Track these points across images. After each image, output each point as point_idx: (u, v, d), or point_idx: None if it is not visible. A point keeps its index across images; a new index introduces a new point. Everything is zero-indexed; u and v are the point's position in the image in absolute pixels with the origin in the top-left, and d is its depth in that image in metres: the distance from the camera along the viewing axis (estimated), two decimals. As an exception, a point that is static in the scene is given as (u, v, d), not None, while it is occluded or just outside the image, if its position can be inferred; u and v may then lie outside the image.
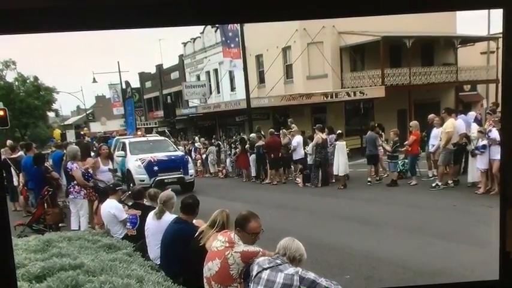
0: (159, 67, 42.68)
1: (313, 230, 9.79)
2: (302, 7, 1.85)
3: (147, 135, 22.86)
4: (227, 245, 4.57)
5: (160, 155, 17.30)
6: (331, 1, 1.86)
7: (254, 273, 4.13)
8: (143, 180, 16.04)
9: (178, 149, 20.59)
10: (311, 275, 3.96)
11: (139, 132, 24.43)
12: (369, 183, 14.85)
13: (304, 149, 16.33)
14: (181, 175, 16.88)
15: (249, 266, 4.49)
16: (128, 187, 13.98)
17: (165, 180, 16.39)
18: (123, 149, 18.28)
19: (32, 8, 1.73)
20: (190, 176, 17.38)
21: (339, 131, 15.92)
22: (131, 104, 35.18)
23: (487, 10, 26.11)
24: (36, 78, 42.17)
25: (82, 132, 39.92)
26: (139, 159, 16.82)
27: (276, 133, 17.91)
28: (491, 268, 6.53)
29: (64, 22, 1.81)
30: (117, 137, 22.54)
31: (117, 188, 8.77)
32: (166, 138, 21.53)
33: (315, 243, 8.49)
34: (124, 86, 39.49)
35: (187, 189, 16.24)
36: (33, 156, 11.50)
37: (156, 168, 16.54)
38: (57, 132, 33.50)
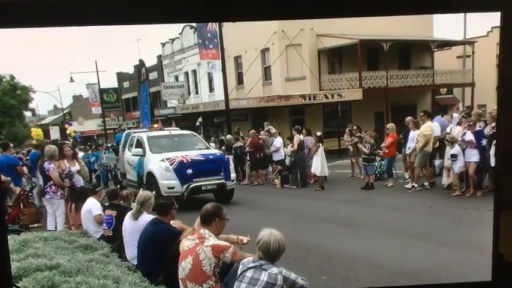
0: (137, 67, 42.36)
1: (291, 231, 9.77)
2: (285, 6, 1.86)
3: (167, 128, 18.04)
4: (197, 241, 4.62)
5: (194, 154, 13.51)
6: (318, 1, 1.86)
7: (239, 272, 4.20)
8: (173, 188, 12.66)
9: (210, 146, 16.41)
10: (293, 276, 4.07)
11: (156, 125, 20.56)
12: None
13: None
14: (223, 180, 13.23)
15: (227, 266, 4.57)
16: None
17: (202, 188, 12.97)
18: (140, 145, 14.54)
19: (17, 2, 1.71)
20: (232, 181, 13.87)
21: (319, 133, 15.94)
22: (146, 88, 33.47)
23: (463, 14, 26.63)
24: (12, 77, 41.68)
25: (67, 131, 39.44)
26: (166, 159, 13.09)
27: (257, 134, 17.84)
28: (466, 268, 6.61)
29: (45, 16, 1.79)
30: (127, 131, 18.33)
31: (96, 189, 8.77)
32: (193, 132, 17.23)
33: (292, 244, 8.49)
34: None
35: (225, 198, 12.90)
36: None
37: (190, 171, 12.80)
38: (36, 131, 32.74)
